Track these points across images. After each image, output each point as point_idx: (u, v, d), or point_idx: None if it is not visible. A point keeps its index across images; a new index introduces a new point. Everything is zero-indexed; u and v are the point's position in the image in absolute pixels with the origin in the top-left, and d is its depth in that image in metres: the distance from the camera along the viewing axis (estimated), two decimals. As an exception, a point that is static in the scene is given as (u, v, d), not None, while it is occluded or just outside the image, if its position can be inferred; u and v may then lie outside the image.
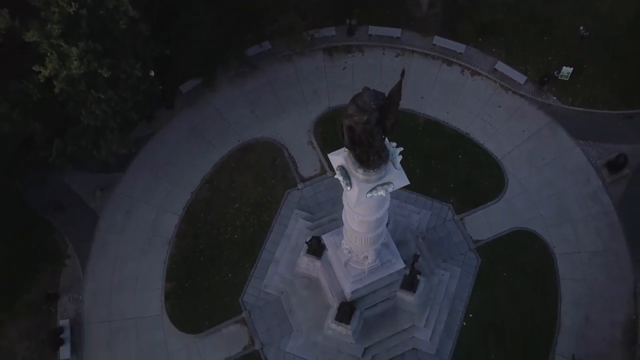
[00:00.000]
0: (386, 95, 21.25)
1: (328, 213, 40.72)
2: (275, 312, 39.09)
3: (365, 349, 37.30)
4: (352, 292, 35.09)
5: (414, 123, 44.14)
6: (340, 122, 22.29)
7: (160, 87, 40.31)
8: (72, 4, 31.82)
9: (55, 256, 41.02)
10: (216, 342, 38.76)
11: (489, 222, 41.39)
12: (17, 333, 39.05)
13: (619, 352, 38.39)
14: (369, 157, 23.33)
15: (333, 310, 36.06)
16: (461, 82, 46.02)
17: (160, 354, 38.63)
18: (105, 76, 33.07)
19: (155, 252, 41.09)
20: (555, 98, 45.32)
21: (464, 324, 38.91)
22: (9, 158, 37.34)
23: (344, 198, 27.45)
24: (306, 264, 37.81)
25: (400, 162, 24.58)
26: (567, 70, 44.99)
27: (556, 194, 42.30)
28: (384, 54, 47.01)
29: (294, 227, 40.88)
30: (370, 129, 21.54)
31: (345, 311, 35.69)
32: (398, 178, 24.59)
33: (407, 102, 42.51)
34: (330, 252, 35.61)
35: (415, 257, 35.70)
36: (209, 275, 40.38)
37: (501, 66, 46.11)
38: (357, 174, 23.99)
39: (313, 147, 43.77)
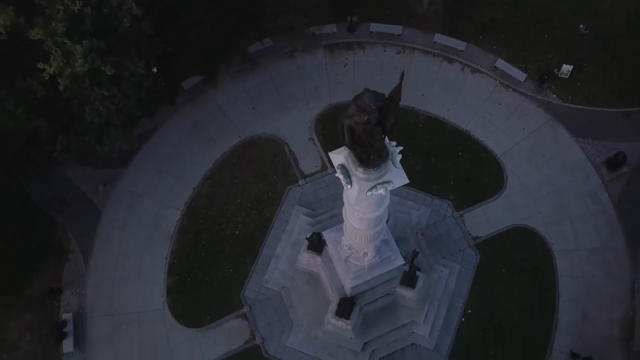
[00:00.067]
0: (386, 96, 21.49)
1: (329, 209, 40.99)
2: (275, 307, 39.35)
3: (365, 343, 37.58)
4: (352, 288, 35.37)
5: (414, 120, 44.34)
6: (341, 122, 22.57)
7: (163, 84, 40.53)
8: (77, 2, 32.05)
9: (58, 251, 41.27)
10: (217, 336, 39.03)
11: (488, 219, 41.64)
12: (21, 327, 39.33)
13: (616, 349, 38.63)
14: (369, 156, 23.64)
15: (333, 306, 36.35)
16: (461, 79, 46.22)
17: (162, 348, 38.89)
18: (109, 74, 33.35)
19: (157, 247, 41.35)
20: (555, 96, 45.51)
21: (463, 319, 39.16)
22: (13, 154, 37.62)
23: (344, 196, 27.75)
24: (307, 259, 38.09)
25: (400, 160, 24.88)
26: (567, 68, 45.19)
27: (555, 192, 42.53)
28: (384, 51, 47.20)
29: (294, 223, 41.14)
30: (370, 129, 21.86)
31: (345, 306, 35.97)
32: (398, 177, 24.90)
33: (407, 99, 42.93)
34: (330, 248, 35.86)
35: (415, 254, 35.98)
36: (211, 270, 40.65)
37: (501, 64, 46.27)
38: (358, 172, 24.30)
39: (314, 143, 44.01)
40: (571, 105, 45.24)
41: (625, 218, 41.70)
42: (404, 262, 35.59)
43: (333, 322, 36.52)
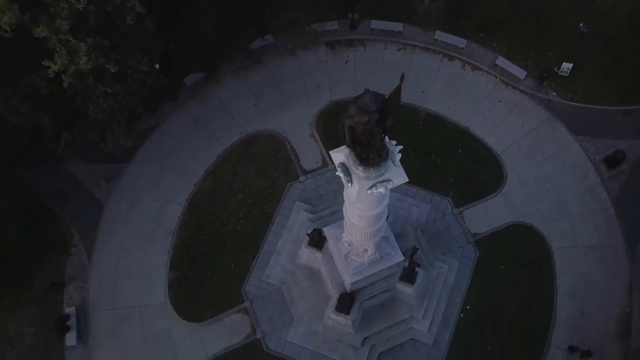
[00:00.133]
0: (386, 97, 21.79)
1: (329, 205, 41.27)
2: (276, 302, 39.67)
3: (365, 338, 37.90)
4: (352, 284, 35.66)
5: (414, 117, 44.58)
6: (341, 122, 22.87)
7: (165, 80, 40.71)
8: (81, 0, 32.32)
9: (61, 245, 41.57)
10: (219, 330, 39.36)
11: (487, 215, 41.93)
12: (24, 320, 39.67)
13: (613, 344, 39.02)
14: (369, 156, 23.94)
15: (333, 301, 36.66)
16: (462, 76, 46.43)
17: (164, 342, 39.24)
18: (113, 71, 33.55)
19: (159, 242, 41.66)
20: (554, 94, 45.71)
21: (462, 315, 39.52)
22: (17, 151, 37.91)
23: (344, 193, 28.01)
24: (307, 255, 38.36)
25: (400, 159, 25.16)
26: (567, 66, 45.37)
27: (554, 189, 42.79)
28: (385, 48, 47.38)
29: (295, 219, 41.42)
30: (370, 129, 22.16)
31: (345, 302, 36.27)
32: (397, 175, 25.19)
33: (408, 96, 43.30)
34: (331, 244, 36.13)
35: (414, 250, 36.26)
36: (212, 265, 40.97)
37: (502, 61, 46.48)
38: (358, 171, 24.59)
39: (315, 140, 44.25)
40: (571, 103, 45.43)
41: (623, 216, 41.97)
42: (403, 259, 35.88)
43: (333, 317, 36.84)
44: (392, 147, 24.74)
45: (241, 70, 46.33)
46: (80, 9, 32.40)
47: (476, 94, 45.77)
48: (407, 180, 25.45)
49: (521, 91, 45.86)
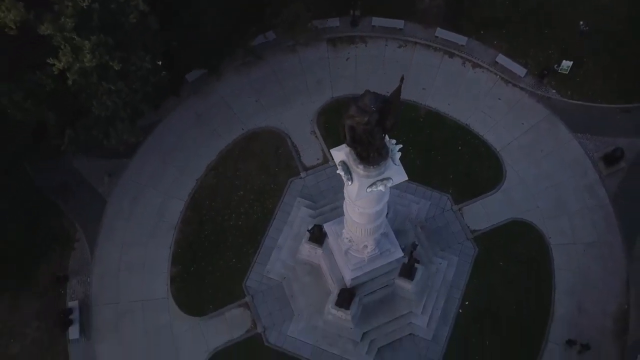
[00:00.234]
0: (386, 97, 22.12)
1: (330, 201, 41.51)
2: (277, 297, 39.95)
3: (364, 333, 38.21)
4: (352, 279, 35.95)
5: (415, 114, 44.72)
6: (342, 122, 23.20)
7: (168, 77, 40.91)
8: None
9: (64, 240, 41.88)
10: (220, 325, 39.68)
11: (486, 212, 42.16)
12: (28, 314, 40.01)
13: (610, 340, 39.31)
14: (369, 155, 24.30)
15: (333, 296, 36.98)
16: (462, 74, 46.59)
17: (165, 336, 39.56)
18: (116, 68, 33.84)
19: (162, 237, 41.93)
20: (554, 91, 45.87)
21: (460, 311, 39.78)
22: (22, 147, 38.23)
23: (345, 191, 28.31)
24: (308, 251, 38.64)
25: (400, 157, 25.49)
26: (567, 64, 45.52)
27: (553, 186, 43.00)
28: (386, 45, 47.53)
29: (296, 215, 41.68)
30: (370, 129, 22.52)
31: (345, 297, 36.56)
32: (397, 174, 25.53)
33: (408, 93, 43.37)
34: (331, 240, 36.39)
35: (414, 246, 36.54)
36: (214, 260, 41.24)
37: (502, 59, 46.62)
38: (358, 169, 24.93)
39: (316, 136, 44.43)
40: (570, 101, 45.60)
41: (621, 213, 42.19)
42: (403, 255, 36.15)
43: (333, 312, 37.15)
44: (392, 146, 25.08)
45: (243, 67, 46.51)
46: (85, 7, 32.67)
47: (476, 91, 45.94)
48: (406, 178, 25.82)
49: (521, 89, 46.01)
